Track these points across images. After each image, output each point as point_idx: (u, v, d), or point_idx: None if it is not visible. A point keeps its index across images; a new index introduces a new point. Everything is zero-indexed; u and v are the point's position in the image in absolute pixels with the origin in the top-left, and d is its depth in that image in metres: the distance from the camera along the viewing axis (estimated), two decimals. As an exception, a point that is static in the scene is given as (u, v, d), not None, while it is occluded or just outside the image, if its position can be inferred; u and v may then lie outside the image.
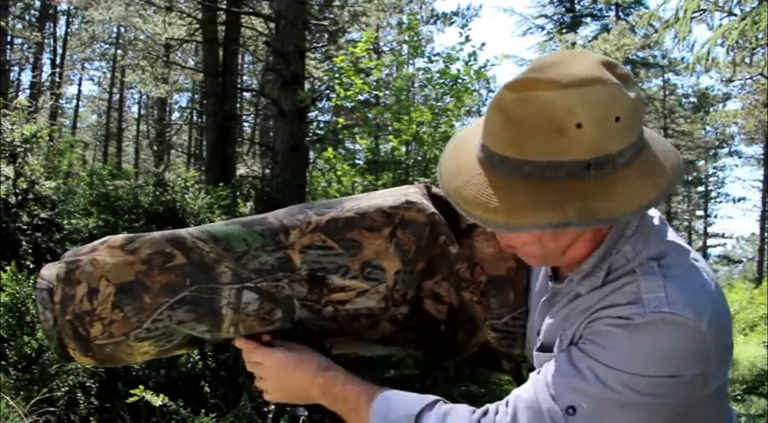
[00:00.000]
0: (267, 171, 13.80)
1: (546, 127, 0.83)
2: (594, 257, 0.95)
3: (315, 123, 11.55)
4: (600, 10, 21.37)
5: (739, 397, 2.62)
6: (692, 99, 26.90)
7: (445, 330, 1.20)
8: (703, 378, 0.90)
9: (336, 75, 6.44)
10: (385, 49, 17.65)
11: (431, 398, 0.98)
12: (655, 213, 1.01)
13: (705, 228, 29.87)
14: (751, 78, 18.56)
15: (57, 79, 19.08)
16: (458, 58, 6.39)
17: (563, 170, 0.84)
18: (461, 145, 0.98)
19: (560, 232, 0.91)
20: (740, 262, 31.18)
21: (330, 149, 6.53)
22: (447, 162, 0.97)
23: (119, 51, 21.49)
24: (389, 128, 6.51)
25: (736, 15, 5.71)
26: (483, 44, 6.72)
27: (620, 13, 20.23)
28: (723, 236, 30.38)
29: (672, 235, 0.98)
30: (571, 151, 0.84)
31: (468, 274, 1.14)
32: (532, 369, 1.11)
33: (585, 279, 0.96)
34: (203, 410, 2.58)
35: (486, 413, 0.94)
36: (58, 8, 19.30)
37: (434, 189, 1.19)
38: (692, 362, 0.87)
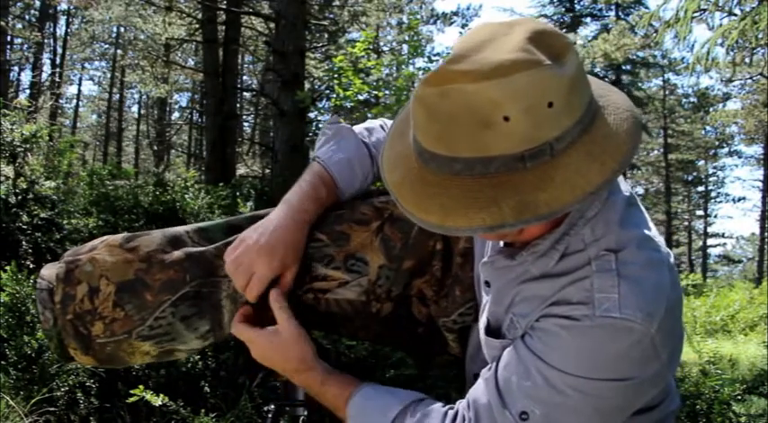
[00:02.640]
0: (267, 171, 13.81)
1: (470, 122, 0.76)
2: (551, 238, 0.90)
3: (315, 123, 11.55)
4: (600, 10, 21.37)
5: (739, 397, 2.62)
6: (692, 99, 26.91)
7: (423, 333, 1.20)
8: (657, 378, 0.89)
9: (336, 75, 6.43)
10: (385, 49, 17.65)
11: (406, 400, 0.97)
12: (624, 187, 0.95)
13: (705, 228, 29.87)
14: (751, 78, 18.58)
15: (57, 79, 19.08)
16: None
17: (494, 165, 0.77)
18: (400, 131, 0.92)
19: None
20: (740, 262, 31.18)
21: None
22: (387, 152, 0.92)
23: (119, 51, 21.50)
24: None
25: (736, 15, 5.70)
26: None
27: (620, 13, 20.22)
28: (723, 236, 30.41)
29: (636, 217, 0.93)
30: (500, 146, 0.76)
31: (439, 274, 1.14)
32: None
33: (540, 259, 0.91)
34: (203, 410, 2.58)
35: (455, 419, 0.93)
36: (58, 8, 19.31)
37: None
38: (642, 365, 0.86)
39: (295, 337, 1.03)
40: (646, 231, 0.91)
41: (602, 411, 0.87)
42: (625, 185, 0.96)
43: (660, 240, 0.93)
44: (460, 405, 0.95)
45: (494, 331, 1.00)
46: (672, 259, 0.92)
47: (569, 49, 0.80)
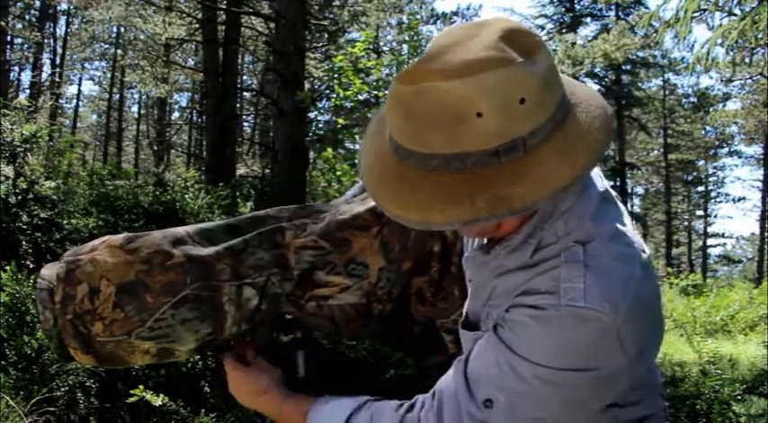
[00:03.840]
0: (267, 171, 13.80)
1: (445, 118, 0.78)
2: (523, 232, 0.91)
3: (315, 123, 11.55)
4: (600, 10, 21.37)
5: (739, 397, 2.62)
6: (692, 99, 26.91)
7: (419, 332, 1.20)
8: (623, 372, 0.88)
9: (336, 75, 6.43)
10: (385, 49, 17.65)
11: (360, 400, 0.98)
12: (600, 183, 0.96)
13: (705, 228, 29.87)
14: (751, 78, 18.60)
15: (57, 79, 19.08)
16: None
17: (470, 160, 0.80)
18: (378, 130, 0.93)
19: None
20: (740, 262, 31.19)
21: (330, 150, 6.53)
22: (365, 152, 0.94)
23: (119, 51, 21.49)
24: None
25: (736, 15, 5.70)
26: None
27: (620, 13, 20.22)
28: (723, 236, 30.42)
29: (611, 212, 0.94)
30: (475, 141, 0.79)
31: (437, 276, 1.15)
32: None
33: (513, 253, 0.92)
34: (203, 410, 2.58)
35: (412, 407, 0.93)
36: (58, 8, 19.31)
37: None
38: (606, 357, 0.85)
39: (259, 364, 1.09)
40: (619, 226, 0.92)
41: (565, 402, 0.87)
42: (601, 181, 0.97)
43: (634, 236, 0.93)
44: (421, 397, 0.95)
45: (471, 325, 1.00)
46: (646, 256, 0.92)
47: (541, 46, 0.81)
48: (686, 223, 30.37)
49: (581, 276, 0.85)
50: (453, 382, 0.91)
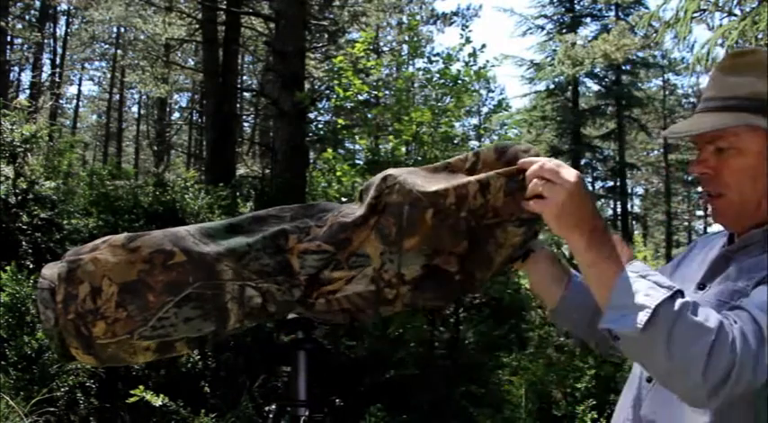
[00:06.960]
0: (267, 171, 13.80)
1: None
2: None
3: (315, 123, 11.55)
4: (600, 10, 21.33)
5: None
6: (692, 99, 26.90)
7: (461, 278, 1.17)
8: None
9: (335, 75, 6.43)
10: (385, 49, 17.66)
11: (672, 287, 0.96)
12: None
13: (705, 228, 29.87)
14: (751, 78, 18.54)
15: (57, 79, 19.08)
16: (458, 59, 6.39)
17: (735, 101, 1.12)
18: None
19: (759, 177, 1.11)
20: (740, 262, 31.15)
21: (330, 150, 6.54)
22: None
23: (119, 51, 21.49)
24: (389, 128, 6.50)
25: (736, 15, 5.71)
26: (483, 46, 6.72)
27: (620, 13, 20.21)
28: (723, 236, 30.35)
29: None
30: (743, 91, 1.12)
31: (482, 200, 1.10)
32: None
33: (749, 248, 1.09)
34: (203, 410, 2.58)
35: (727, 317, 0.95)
36: (58, 8, 19.31)
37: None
38: None
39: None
40: None
41: None
42: None
43: None
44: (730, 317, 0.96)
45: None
46: None
47: None
48: (686, 223, 30.37)
49: None
50: (750, 326, 0.94)
